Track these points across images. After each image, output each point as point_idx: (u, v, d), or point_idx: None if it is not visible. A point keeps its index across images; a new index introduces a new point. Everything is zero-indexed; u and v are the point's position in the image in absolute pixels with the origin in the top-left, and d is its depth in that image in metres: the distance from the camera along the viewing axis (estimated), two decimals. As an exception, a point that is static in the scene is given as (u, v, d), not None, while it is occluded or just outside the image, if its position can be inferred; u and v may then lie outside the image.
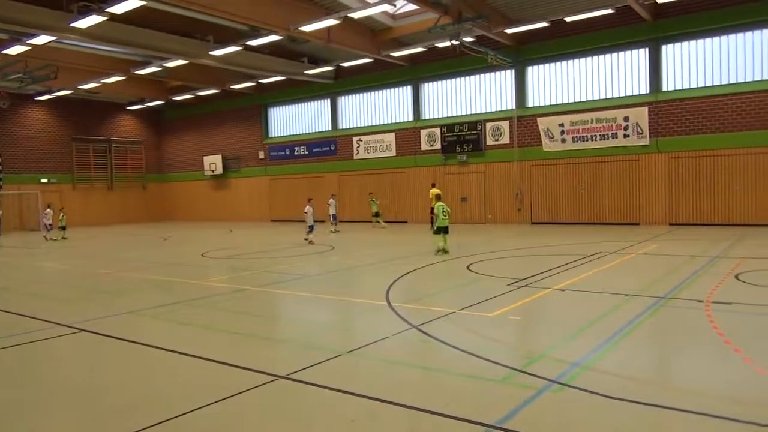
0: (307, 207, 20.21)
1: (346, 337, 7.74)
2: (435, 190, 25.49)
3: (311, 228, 19.72)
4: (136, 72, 28.03)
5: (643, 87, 22.72)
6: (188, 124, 39.26)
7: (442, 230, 15.24)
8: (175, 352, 6.89)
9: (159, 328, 8.36)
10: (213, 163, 36.97)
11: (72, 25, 19.53)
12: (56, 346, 7.51)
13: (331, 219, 25.03)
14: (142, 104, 37.44)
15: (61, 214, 26.21)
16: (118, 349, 7.28)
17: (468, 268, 12.79)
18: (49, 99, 33.64)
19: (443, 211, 15.22)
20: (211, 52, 24.42)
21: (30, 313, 9.49)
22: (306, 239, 19.56)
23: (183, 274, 13.70)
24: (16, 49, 22.90)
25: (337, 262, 15.29)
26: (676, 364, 6.13)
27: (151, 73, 28.49)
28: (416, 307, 9.03)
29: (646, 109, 22.29)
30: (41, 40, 21.56)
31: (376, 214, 26.57)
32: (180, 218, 39.90)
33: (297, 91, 32.71)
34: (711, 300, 8.51)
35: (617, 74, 23.33)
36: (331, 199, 25.56)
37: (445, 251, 15.20)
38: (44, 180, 34.91)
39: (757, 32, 20.24)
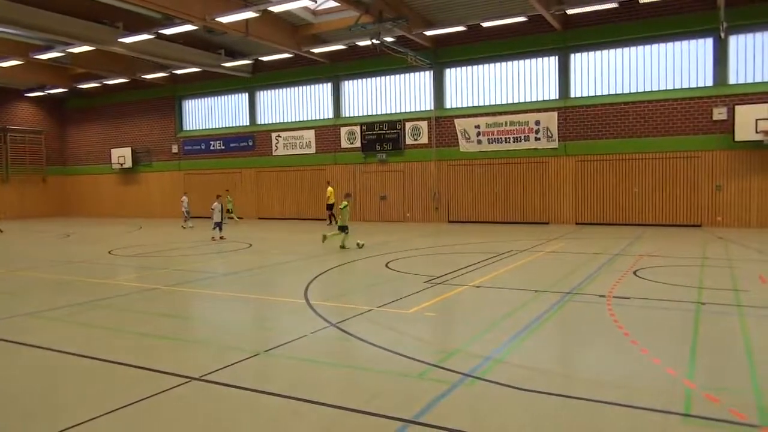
0: (215, 203, 19.90)
1: (263, 336, 7.61)
2: (332, 189, 26.04)
3: (217, 225, 19.52)
4: (36, 57, 26.12)
5: (553, 93, 23.85)
6: (95, 114, 37.06)
7: (344, 229, 16.50)
8: (78, 355, 6.51)
9: (60, 330, 7.86)
10: (122, 156, 35.13)
11: (-38, 2, 17.95)
12: (-59, 352, 6.89)
13: (185, 216, 26.08)
14: (43, 91, 34.89)
15: None
16: (14, 354, 6.77)
17: (386, 266, 12.93)
18: (-66, 82, 30.75)
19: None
20: (120, 40, 23.21)
21: None
22: (213, 237, 19.49)
23: (87, 273, 12.95)
24: None
25: (254, 260, 14.99)
26: (581, 356, 6.49)
27: (53, 58, 26.66)
28: (335, 305, 9.03)
29: (555, 114, 23.42)
30: (-75, 16, 19.65)
31: (229, 211, 26.86)
32: (85, 214, 37.63)
33: (213, 84, 31.72)
34: (612, 295, 9.08)
35: (530, 79, 24.35)
36: (183, 197, 26.84)
37: (343, 246, 16.31)
38: (-72, 170, 31.84)
39: (659, 45, 21.73)
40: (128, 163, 34.95)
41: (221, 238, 19.43)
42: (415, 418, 4.56)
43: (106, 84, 33.00)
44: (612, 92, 22.74)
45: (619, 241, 16.79)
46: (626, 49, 22.32)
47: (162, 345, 7.11)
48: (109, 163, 35.82)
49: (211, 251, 16.82)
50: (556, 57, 23.57)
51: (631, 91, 22.37)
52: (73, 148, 38.49)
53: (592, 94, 23.13)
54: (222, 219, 19.74)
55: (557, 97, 23.64)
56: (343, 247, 16.26)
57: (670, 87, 21.68)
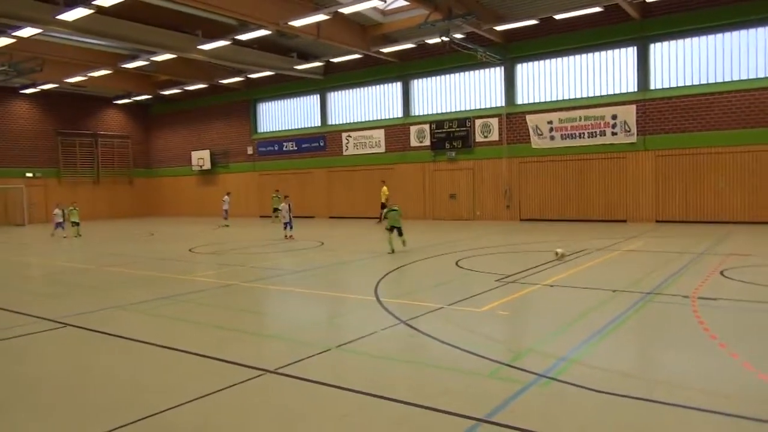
0: (282, 204, 20.40)
1: (334, 332, 7.72)
2: (386, 188, 26.22)
3: (286, 225, 19.79)
4: (123, 66, 27.75)
5: (631, 85, 22.86)
6: (176, 119, 38.95)
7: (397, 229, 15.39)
8: (162, 346, 6.84)
9: (145, 323, 8.29)
10: (201, 158, 36.73)
11: (58, 17, 19.27)
12: (41, 342, 7.42)
13: (224, 214, 27.57)
14: (129, 98, 37.06)
15: (71, 208, 24.49)
16: (103, 344, 7.21)
17: (457, 264, 12.82)
18: (34, 92, 33.24)
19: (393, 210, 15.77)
20: (199, 47, 24.23)
21: (15, 308, 9.38)
22: (286, 236, 19.72)
23: (170, 270, 13.61)
24: (0, 41, 22.57)
25: (326, 258, 15.24)
26: (663, 358, 6.17)
27: (138, 67, 28.21)
28: (405, 302, 9.04)
29: (634, 107, 22.43)
30: (27, 32, 21.24)
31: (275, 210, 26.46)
32: (167, 213, 39.61)
33: (286, 87, 32.56)
34: (697, 296, 8.59)
35: (606, 72, 23.45)
36: (225, 197, 28.14)
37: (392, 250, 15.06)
38: (29, 174, 34.47)
39: (743, 32, 20.42)
40: (207, 165, 36.47)
41: (291, 237, 19.70)
42: (487, 417, 4.49)
43: (186, 90, 34.57)
44: (695, 83, 21.51)
45: (703, 240, 15.88)
46: (710, 37, 21.06)
47: (238, 338, 7.35)
48: (189, 165, 37.51)
49: (284, 249, 17.25)
50: (634, 47, 22.56)
51: (717, 81, 21.08)
52: (156, 151, 40.60)
53: (673, 85, 21.97)
54: (290, 218, 19.94)
55: (635, 90, 22.62)
56: (392, 252, 14.90)
57: (761, 75, 20.26)
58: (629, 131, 22.62)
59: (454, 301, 8.75)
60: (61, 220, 24.09)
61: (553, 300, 8.97)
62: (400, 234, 15.18)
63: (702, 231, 18.37)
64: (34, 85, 31.47)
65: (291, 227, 19.92)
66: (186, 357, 6.42)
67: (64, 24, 20.18)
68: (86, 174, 37.29)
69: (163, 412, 4.79)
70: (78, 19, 19.68)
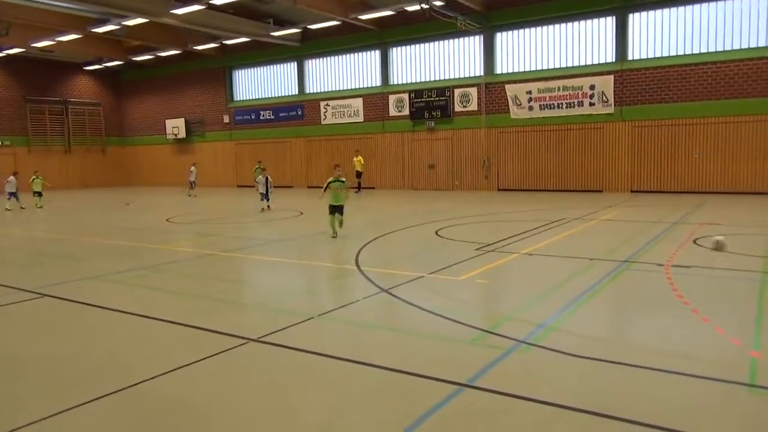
0: (260, 177, 19.70)
1: (316, 301, 7.74)
2: (361, 158, 26.42)
3: (263, 196, 19.27)
4: (93, 30, 26.85)
5: (609, 56, 22.90)
6: (149, 86, 37.98)
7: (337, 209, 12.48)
8: (141, 316, 6.79)
9: (124, 293, 8.21)
10: (176, 126, 36.01)
11: (23, -23, 18.51)
12: (17, 312, 7.31)
13: (190, 185, 27.78)
14: (100, 64, 35.95)
15: (34, 177, 23.45)
16: (81, 314, 7.13)
17: (436, 233, 12.89)
18: (0, 57, 32.04)
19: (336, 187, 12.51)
20: (172, 11, 23.53)
21: (-12, 279, 9.20)
22: (262, 208, 19.14)
23: (147, 239, 13.44)
24: (-38, 3, 21.65)
25: (306, 227, 15.19)
26: (638, 324, 6.33)
27: (108, 31, 27.33)
28: (386, 271, 9.08)
29: (611, 78, 22.53)
30: (-10, -7, 20.40)
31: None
32: (142, 183, 38.95)
33: (262, 54, 31.90)
34: (671, 263, 8.79)
35: (585, 42, 23.43)
36: (192, 168, 28.43)
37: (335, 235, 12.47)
38: (-4, 142, 33.47)
39: (721, 3, 20.51)
40: (182, 134, 35.81)
41: (268, 208, 19.23)
42: (469, 381, 4.57)
43: (159, 56, 33.66)
44: (673, 53, 21.64)
45: (677, 209, 16.19)
46: (689, 7, 21.11)
47: (219, 307, 7.33)
48: (164, 133, 36.77)
49: (263, 219, 17.14)
50: (613, 17, 22.53)
51: (694, 52, 21.23)
52: (129, 119, 39.67)
53: (651, 56, 22.07)
54: (268, 189, 19.31)
55: (614, 60, 22.68)
56: (335, 236, 12.41)
57: (737, 47, 20.46)
58: (607, 102, 22.76)
59: (435, 270, 8.82)
60: (14, 189, 22.73)
61: (531, 269, 9.09)
62: (341, 213, 12.46)
63: (676, 201, 18.71)
64: (-1, 50, 30.35)
65: (268, 199, 19.44)
66: (166, 326, 6.39)
67: (30, -15, 19.40)
68: (57, 142, 36.32)
69: (144, 382, 4.78)
70: (44, -20, 18.94)
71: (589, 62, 23.32)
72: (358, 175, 26.70)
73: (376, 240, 12.29)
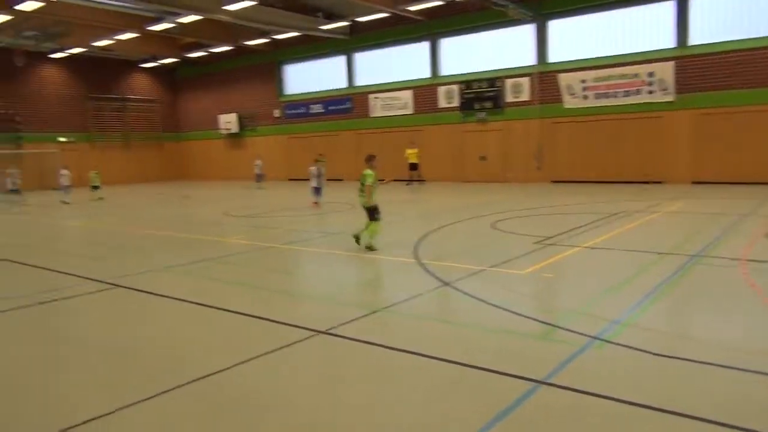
0: (312, 167, 18.55)
1: (379, 293, 7.76)
2: (416, 150, 26.03)
3: (315, 189, 18.25)
4: (150, 28, 27.64)
5: (668, 41, 22.02)
6: (203, 82, 38.89)
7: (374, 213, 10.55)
8: (212, 307, 6.96)
9: (193, 284, 8.44)
10: (228, 121, 36.77)
11: (86, -21, 19.18)
12: (93, 302, 7.61)
13: (256, 179, 28.16)
14: (155, 62, 37.03)
15: (94, 172, 25.37)
16: (155, 304, 7.37)
17: (493, 226, 12.73)
18: (63, 57, 33.39)
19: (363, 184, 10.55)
20: (224, 7, 23.93)
21: (63, 269, 9.62)
22: (314, 202, 18.19)
23: (209, 232, 13.78)
24: (29, 5, 22.60)
25: (360, 220, 15.19)
26: (718, 322, 6.06)
27: (164, 29, 28.08)
28: (446, 264, 9.01)
29: (671, 64, 21.67)
30: (55, -5, 21.24)
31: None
32: (196, 177, 39.98)
33: (312, 48, 32.15)
34: (746, 258, 8.41)
35: (642, 28, 22.60)
36: (257, 161, 28.83)
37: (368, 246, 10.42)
38: (62, 139, 34.94)
39: (792, -18, 19.44)
40: (235, 128, 36.53)
41: (315, 204, 18.13)
42: (545, 379, 4.49)
43: (212, 52, 34.37)
44: (736, 38, 20.61)
45: (745, 201, 15.48)
46: (757, -12, 20.09)
47: (285, 299, 7.44)
48: (217, 128, 37.60)
49: (317, 212, 17.30)
50: (673, 1, 21.65)
51: (760, 36, 20.16)
52: (184, 115, 40.73)
53: (713, 41, 21.10)
54: (321, 184, 18.31)
55: (674, 46, 21.81)
56: (370, 247, 10.32)
57: (809, 28, 19.36)
58: (666, 89, 21.93)
59: (496, 263, 8.71)
60: (68, 183, 23.67)
61: (596, 262, 8.87)
62: (374, 217, 10.43)
63: (743, 192, 17.91)
64: (62, 50, 31.58)
65: (320, 194, 18.37)
66: (236, 318, 6.52)
67: (92, -14, 20.08)
68: (116, 138, 37.67)
69: (219, 373, 4.89)
70: (106, -19, 19.57)
71: (646, 49, 22.49)
72: (413, 167, 26.45)
73: (433, 233, 12.23)
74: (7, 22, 25.26)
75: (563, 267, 8.69)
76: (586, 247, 9.88)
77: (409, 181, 26.28)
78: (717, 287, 7.21)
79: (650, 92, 22.27)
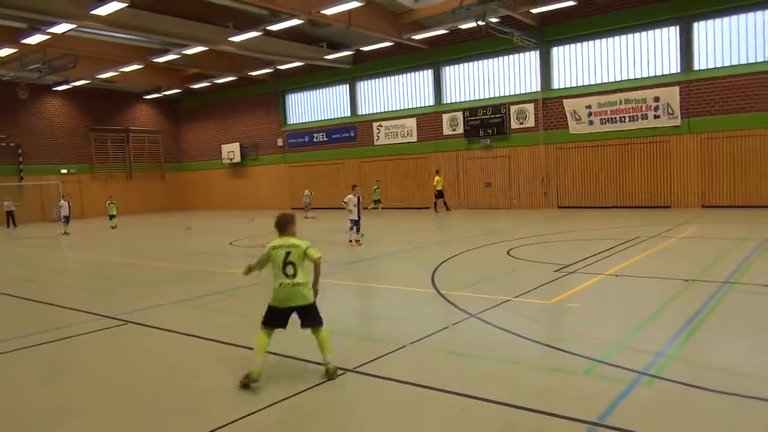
0: (350, 195, 15.15)
1: (403, 327, 7.42)
2: (440, 178, 25.70)
3: (354, 224, 14.98)
4: (155, 60, 27.77)
5: (673, 66, 22.09)
6: (205, 112, 39.00)
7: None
8: (229, 344, 6.64)
9: (207, 319, 8.13)
10: (231, 151, 36.75)
11: (92, 12, 19.26)
12: (106, 339, 7.28)
13: (306, 208, 27.17)
14: (159, 93, 37.20)
15: (109, 202, 26.05)
16: (168, 341, 7.05)
17: (508, 253, 12.46)
18: (66, 89, 33.48)
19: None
20: (230, 38, 24.06)
21: (71, 305, 9.32)
22: (350, 240, 15.14)
23: (215, 263, 13.50)
24: (35, 39, 22.71)
25: (370, 249, 14.96)
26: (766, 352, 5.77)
27: (168, 61, 28.20)
28: (467, 294, 8.71)
29: (677, 89, 21.69)
30: (61, 28, 21.32)
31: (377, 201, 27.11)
32: (199, 207, 39.80)
33: (315, 77, 32.29)
34: (779, 284, 8.13)
35: (647, 53, 22.69)
36: (306, 191, 28.19)
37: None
38: (64, 170, 34.86)
39: (795, 7, 19.55)
40: (237, 158, 36.50)
41: (357, 242, 15.06)
42: (600, 420, 4.17)
43: (215, 83, 34.52)
44: (743, 62, 20.68)
45: (761, 225, 15.25)
46: (757, 14, 20.19)
47: (302, 335, 7.11)
48: (219, 158, 37.55)
49: (324, 242, 17.00)
50: (677, 27, 21.77)
51: (765, 59, 20.21)
52: (186, 145, 40.76)
53: (719, 65, 21.16)
54: (359, 216, 14.88)
55: (679, 71, 21.86)
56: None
57: (815, 52, 19.40)
58: (673, 114, 21.91)
59: (519, 293, 8.42)
60: (67, 213, 23.89)
61: (622, 291, 8.58)
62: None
63: (756, 216, 17.69)
64: (66, 82, 31.67)
65: (358, 229, 15.10)
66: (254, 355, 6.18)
67: (98, 19, 20.19)
68: (119, 169, 37.61)
69: (244, 418, 4.56)
70: (111, 13, 19.66)
71: (652, 74, 22.56)
72: (440, 194, 26.11)
73: (448, 261, 11.95)
74: (12, 55, 25.33)
75: (589, 296, 8.39)
76: (608, 274, 9.60)
77: (435, 206, 26.17)
78: (758, 315, 6.91)
79: (656, 117, 22.24)
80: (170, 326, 7.60)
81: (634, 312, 7.21)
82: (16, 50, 24.67)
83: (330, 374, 5.29)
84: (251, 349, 6.36)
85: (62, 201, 24.68)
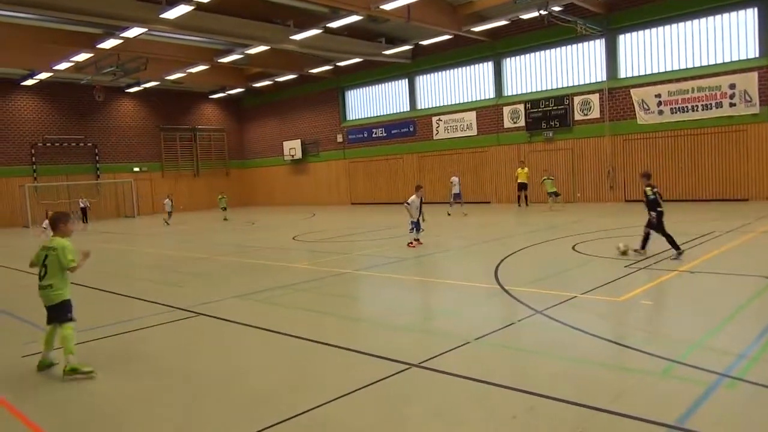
0: (412, 197, 14.23)
1: (467, 322, 7.35)
2: (525, 170, 24.45)
3: (415, 225, 14.08)
4: (219, 60, 28.58)
5: (751, 51, 20.84)
6: (267, 110, 39.89)
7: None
8: (296, 337, 6.77)
9: (274, 312, 8.32)
10: (292, 148, 37.44)
11: (162, 15, 20.02)
12: (179, 330, 7.58)
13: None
14: (223, 92, 38.34)
15: (221, 197, 28.82)
16: (238, 333, 7.25)
17: (573, 248, 12.14)
18: (138, 91, 35.01)
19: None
20: (291, 37, 24.45)
21: (144, 297, 9.73)
22: (409, 242, 14.06)
23: (280, 258, 13.78)
24: (109, 43, 23.80)
25: (432, 244, 14.89)
26: None
27: (232, 61, 28.97)
28: (532, 290, 8.54)
29: (755, 74, 20.44)
30: (133, 32, 22.27)
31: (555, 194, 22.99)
32: (261, 203, 40.80)
33: (374, 73, 32.40)
34: None
35: (721, 38, 21.50)
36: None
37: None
38: (136, 169, 36.55)
39: None
40: (298, 155, 37.14)
41: (416, 242, 14.00)
42: (678, 423, 4.00)
43: (276, 81, 35.23)
44: (831, 43, 19.28)
45: None
46: None
47: (370, 329, 7.18)
48: (281, 155, 38.34)
49: (387, 236, 17.07)
50: (755, 8, 20.51)
51: None
52: (250, 142, 41.84)
53: (803, 47, 19.81)
54: (420, 217, 14.06)
55: (758, 55, 20.60)
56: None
57: None
58: (750, 101, 20.68)
59: (588, 290, 8.17)
60: (170, 210, 27.54)
61: (699, 288, 8.19)
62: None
63: None
64: (138, 84, 33.12)
65: (418, 229, 14.14)
66: (322, 348, 6.28)
67: (167, 22, 20.93)
68: (186, 167, 39.04)
69: (312, 410, 4.63)
70: (179, 16, 20.37)
71: (727, 59, 21.37)
72: (523, 187, 24.43)
73: (511, 256, 11.74)
74: (88, 59, 26.69)
75: (663, 293, 8.06)
76: (683, 270, 9.18)
77: (519, 200, 24.78)
78: None
79: (732, 105, 21.06)
80: (238, 318, 7.81)
81: (712, 310, 6.87)
82: (92, 55, 25.97)
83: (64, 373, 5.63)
84: (313, 341, 6.50)
85: (167, 199, 28.07)
